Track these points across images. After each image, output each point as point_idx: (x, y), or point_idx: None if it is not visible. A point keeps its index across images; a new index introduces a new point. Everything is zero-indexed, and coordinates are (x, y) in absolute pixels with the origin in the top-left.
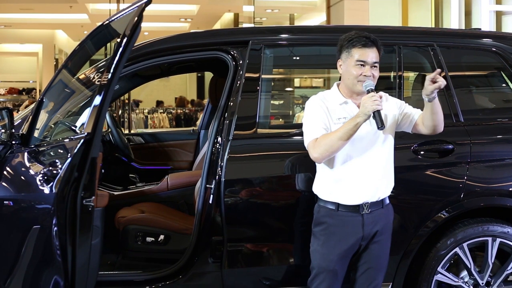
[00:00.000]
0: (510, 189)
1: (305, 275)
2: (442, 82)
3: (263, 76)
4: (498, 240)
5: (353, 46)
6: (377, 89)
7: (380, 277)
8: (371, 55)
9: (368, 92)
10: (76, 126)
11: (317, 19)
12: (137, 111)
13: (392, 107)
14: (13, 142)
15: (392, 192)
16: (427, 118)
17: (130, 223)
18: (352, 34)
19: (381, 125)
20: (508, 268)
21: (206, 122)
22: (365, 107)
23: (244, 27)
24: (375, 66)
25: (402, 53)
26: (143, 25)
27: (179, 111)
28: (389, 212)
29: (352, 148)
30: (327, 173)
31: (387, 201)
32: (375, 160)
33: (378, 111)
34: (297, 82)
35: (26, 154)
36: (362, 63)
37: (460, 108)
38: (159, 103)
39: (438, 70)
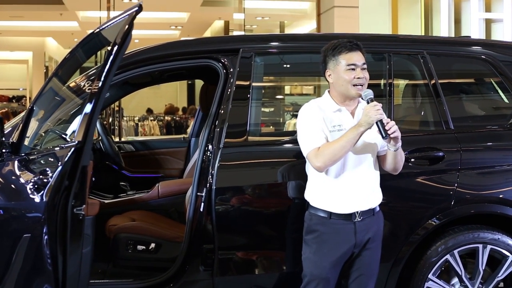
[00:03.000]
0: (500, 196)
1: (297, 282)
2: (398, 133)
3: (253, 84)
4: (489, 247)
5: (340, 53)
6: None
7: (371, 283)
8: (358, 57)
9: (368, 102)
10: (66, 134)
11: (307, 26)
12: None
13: None
14: (3, 150)
15: (383, 199)
16: (389, 162)
17: (121, 231)
18: (335, 42)
19: (385, 134)
20: (499, 275)
21: (197, 130)
22: (369, 116)
23: (234, 35)
24: (364, 68)
25: (392, 61)
26: (134, 32)
27: (169, 118)
28: (380, 219)
29: (346, 157)
30: (320, 181)
31: (378, 208)
32: (368, 170)
33: (381, 120)
34: (287, 89)
35: (16, 162)
36: (352, 66)
37: (450, 116)
38: (150, 111)
39: (388, 120)
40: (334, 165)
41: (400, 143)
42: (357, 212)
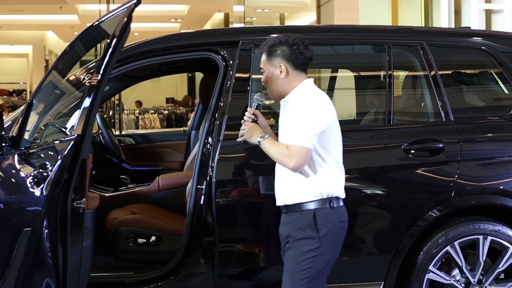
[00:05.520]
0: (501, 187)
1: None
2: (243, 135)
3: (253, 76)
4: (489, 238)
5: None
6: (367, 89)
7: (287, 281)
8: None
9: (257, 107)
10: (66, 128)
11: (307, 18)
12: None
13: (289, 115)
14: (3, 144)
15: (383, 191)
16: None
17: (122, 225)
18: None
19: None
20: (500, 266)
21: (197, 123)
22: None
23: (234, 27)
24: (263, 72)
25: (392, 52)
26: (134, 25)
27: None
28: (306, 219)
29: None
30: None
31: (308, 206)
32: (278, 166)
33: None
34: None
35: (16, 156)
36: None
37: (450, 107)
38: (139, 103)
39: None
40: None
41: (246, 137)
42: (282, 205)
